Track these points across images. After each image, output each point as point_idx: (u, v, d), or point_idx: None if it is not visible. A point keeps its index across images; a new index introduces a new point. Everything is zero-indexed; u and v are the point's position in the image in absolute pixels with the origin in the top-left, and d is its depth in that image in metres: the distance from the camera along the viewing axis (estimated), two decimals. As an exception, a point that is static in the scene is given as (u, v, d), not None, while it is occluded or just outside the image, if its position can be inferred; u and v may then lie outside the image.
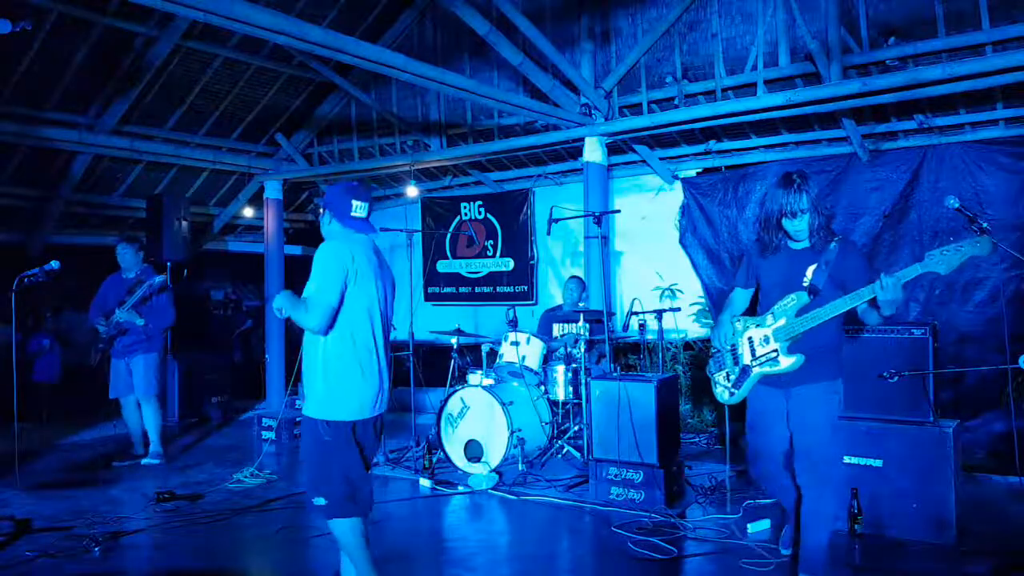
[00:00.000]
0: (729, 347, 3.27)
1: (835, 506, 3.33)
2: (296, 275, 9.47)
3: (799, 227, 3.05)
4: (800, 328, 3.02)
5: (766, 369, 3.12)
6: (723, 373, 3.32)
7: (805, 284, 3.07)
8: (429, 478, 5.39)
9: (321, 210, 3.25)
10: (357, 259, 3.02)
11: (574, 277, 6.80)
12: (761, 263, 3.24)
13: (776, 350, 3.08)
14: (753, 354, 3.17)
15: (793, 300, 3.05)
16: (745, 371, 3.20)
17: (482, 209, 8.85)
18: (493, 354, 6.30)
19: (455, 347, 6.40)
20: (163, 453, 6.10)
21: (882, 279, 2.83)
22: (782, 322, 3.07)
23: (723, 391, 3.32)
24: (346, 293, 2.99)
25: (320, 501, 3.06)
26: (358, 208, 3.15)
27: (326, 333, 3.01)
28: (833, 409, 3.16)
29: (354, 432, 3.07)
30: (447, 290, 9.16)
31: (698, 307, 7.34)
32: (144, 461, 6.00)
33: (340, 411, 3.03)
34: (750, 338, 3.18)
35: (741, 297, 3.40)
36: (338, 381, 3.03)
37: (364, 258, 3.06)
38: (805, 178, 3.04)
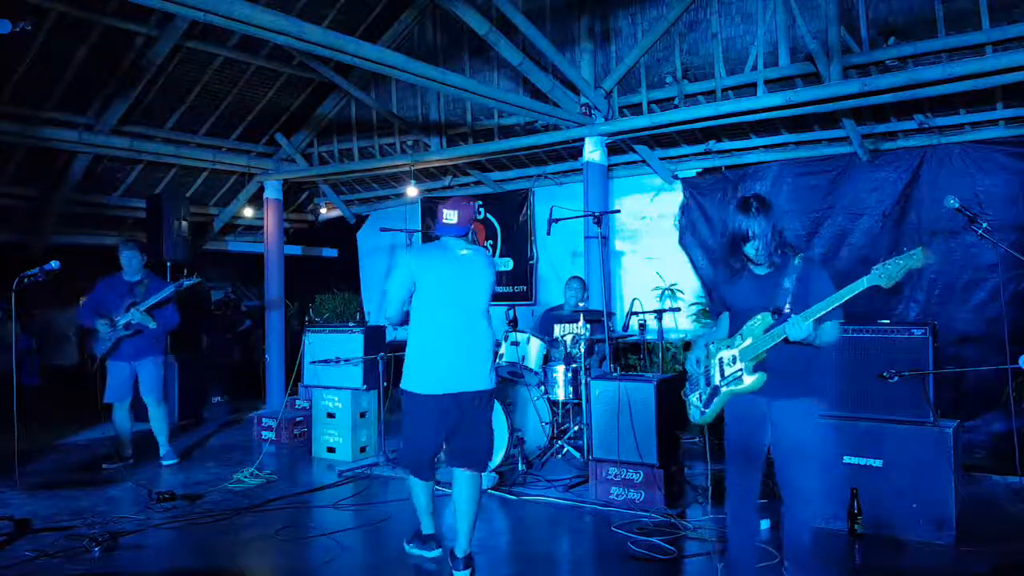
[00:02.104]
0: (703, 369, 3.32)
1: (816, 511, 3.29)
2: (296, 275, 9.47)
3: (751, 251, 3.09)
4: (763, 347, 3.04)
5: (732, 388, 3.16)
6: (696, 394, 3.35)
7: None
8: (429, 478, 5.37)
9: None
10: (423, 261, 3.68)
11: (575, 277, 6.79)
12: (728, 290, 3.29)
13: (741, 369, 3.13)
14: (722, 374, 3.21)
15: (759, 320, 3.08)
16: (715, 391, 3.24)
17: (482, 209, 8.85)
18: (493, 354, 6.29)
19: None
20: (174, 451, 6.18)
21: (791, 319, 2.91)
22: (748, 342, 3.10)
23: (695, 411, 3.35)
24: (416, 289, 3.64)
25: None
26: (447, 216, 3.74)
27: (398, 325, 3.75)
28: (813, 426, 3.16)
29: (432, 405, 3.61)
30: (447, 290, 9.15)
31: (698, 307, 7.34)
32: (165, 463, 6.03)
33: (412, 385, 3.64)
34: (721, 359, 3.23)
35: (723, 325, 3.41)
36: (411, 360, 3.66)
37: (435, 258, 3.68)
38: (763, 203, 3.09)
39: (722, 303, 3.39)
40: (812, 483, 3.15)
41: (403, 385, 3.68)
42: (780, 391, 3.10)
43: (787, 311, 3.01)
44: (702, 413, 3.30)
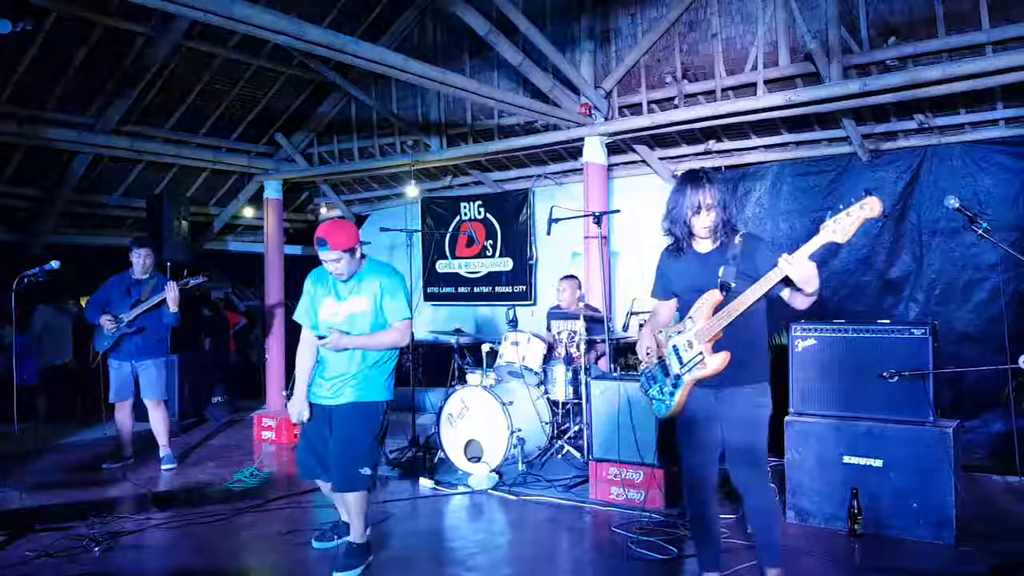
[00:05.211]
0: (657, 361, 3.21)
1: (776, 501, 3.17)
2: (296, 275, 9.46)
3: (705, 223, 2.99)
4: (718, 326, 2.93)
5: (696, 374, 3.01)
6: (656, 388, 3.21)
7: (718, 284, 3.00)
8: (429, 478, 5.39)
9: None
10: None
11: (566, 276, 6.75)
12: (673, 270, 3.20)
13: (701, 353, 2.98)
14: (681, 362, 3.07)
15: (706, 299, 2.98)
16: (677, 380, 3.09)
17: (482, 209, 8.86)
18: (493, 354, 6.30)
19: (455, 347, 6.39)
20: (174, 455, 6.10)
21: (785, 256, 2.74)
22: (701, 324, 2.98)
23: (659, 405, 3.20)
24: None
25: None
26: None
27: None
28: (765, 413, 3.07)
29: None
30: (446, 290, 9.16)
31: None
32: (164, 467, 5.93)
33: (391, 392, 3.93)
34: (675, 347, 3.10)
35: (664, 309, 3.32)
36: (391, 369, 3.92)
37: None
38: (712, 174, 3.03)
39: (665, 287, 3.27)
40: (765, 476, 3.06)
41: (389, 396, 3.90)
42: (728, 379, 2.98)
43: (734, 286, 2.90)
44: (667, 406, 3.14)
